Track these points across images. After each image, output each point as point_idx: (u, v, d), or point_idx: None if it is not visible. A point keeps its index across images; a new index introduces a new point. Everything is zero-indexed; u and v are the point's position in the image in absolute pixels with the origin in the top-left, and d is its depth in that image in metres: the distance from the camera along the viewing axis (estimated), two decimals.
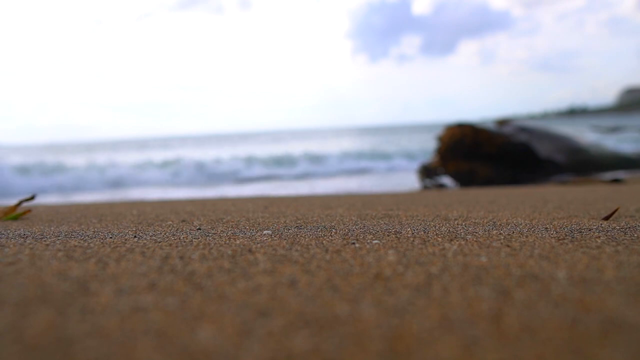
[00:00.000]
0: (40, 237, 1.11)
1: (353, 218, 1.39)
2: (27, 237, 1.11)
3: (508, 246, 0.91)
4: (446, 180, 5.94)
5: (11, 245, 1.00)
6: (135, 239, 1.05)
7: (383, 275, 0.71)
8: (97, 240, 1.05)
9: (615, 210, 1.33)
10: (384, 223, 1.26)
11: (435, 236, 1.03)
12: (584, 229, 1.11)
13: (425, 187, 5.82)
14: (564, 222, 1.23)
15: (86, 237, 1.09)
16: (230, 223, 1.31)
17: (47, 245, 1.00)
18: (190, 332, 0.50)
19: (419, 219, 1.33)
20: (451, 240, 0.99)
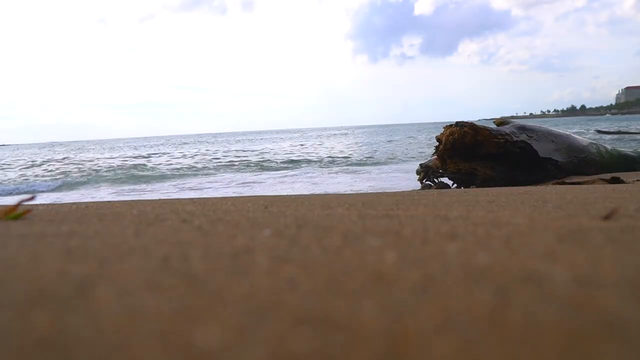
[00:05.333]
0: (40, 237, 1.11)
1: (353, 218, 1.38)
2: (27, 237, 1.11)
3: (508, 246, 0.91)
4: (446, 180, 5.94)
5: (11, 245, 1.00)
6: (135, 239, 1.05)
7: (383, 275, 0.71)
8: (97, 240, 1.05)
9: (616, 210, 1.33)
10: (384, 223, 1.26)
11: (435, 236, 1.03)
12: (584, 229, 1.11)
13: (425, 187, 5.82)
14: (564, 222, 1.22)
15: (86, 237, 1.09)
16: (230, 223, 1.31)
17: (47, 245, 1.00)
18: (190, 332, 0.50)
19: (419, 219, 1.33)
20: (451, 240, 0.99)
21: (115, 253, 0.90)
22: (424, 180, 6.08)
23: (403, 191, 4.13)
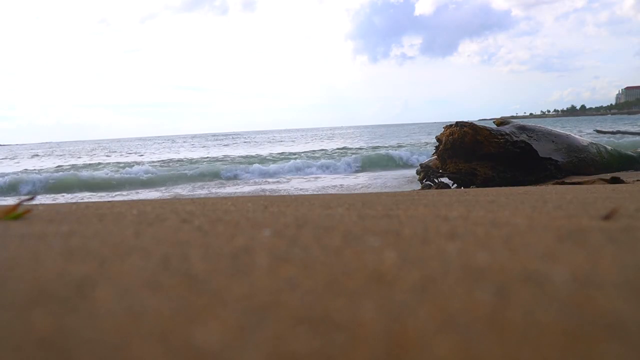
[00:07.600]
0: (40, 237, 1.11)
1: (353, 218, 1.38)
2: (27, 237, 1.11)
3: (508, 246, 0.91)
4: (446, 180, 5.93)
5: (11, 245, 1.00)
6: (135, 239, 1.05)
7: (383, 275, 0.71)
8: (97, 240, 1.05)
9: (615, 210, 1.33)
10: (384, 223, 1.26)
11: (435, 236, 1.03)
12: (584, 229, 1.11)
13: (425, 187, 5.82)
14: (564, 222, 1.22)
15: (86, 237, 1.09)
16: (230, 223, 1.31)
17: (47, 245, 1.00)
18: (190, 332, 0.50)
19: (418, 219, 1.33)
20: (451, 240, 0.99)
21: (115, 253, 0.90)
22: (424, 180, 6.08)
23: (403, 191, 4.13)
